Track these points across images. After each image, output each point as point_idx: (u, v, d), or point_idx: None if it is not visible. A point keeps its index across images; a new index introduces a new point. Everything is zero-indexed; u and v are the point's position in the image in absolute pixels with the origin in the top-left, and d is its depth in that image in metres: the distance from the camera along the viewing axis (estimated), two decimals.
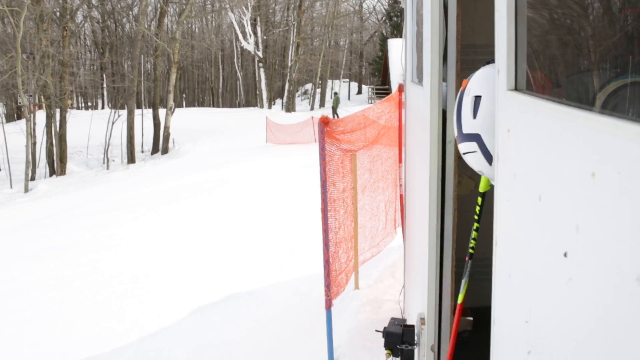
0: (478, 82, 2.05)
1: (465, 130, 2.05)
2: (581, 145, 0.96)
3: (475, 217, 2.54)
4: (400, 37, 36.57)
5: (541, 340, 1.18)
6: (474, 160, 2.05)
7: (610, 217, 0.85)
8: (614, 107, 0.95)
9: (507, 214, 1.47)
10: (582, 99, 1.13)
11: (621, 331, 0.83)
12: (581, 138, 0.96)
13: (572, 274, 1.00)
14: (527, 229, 1.29)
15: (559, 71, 1.30)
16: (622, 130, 0.81)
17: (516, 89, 1.42)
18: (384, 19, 57.31)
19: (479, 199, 2.47)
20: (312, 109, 46.86)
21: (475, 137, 1.99)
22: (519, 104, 1.35)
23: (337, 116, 33.31)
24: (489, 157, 1.94)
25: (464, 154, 2.12)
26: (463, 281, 2.56)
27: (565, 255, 1.03)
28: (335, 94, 39.30)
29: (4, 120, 31.27)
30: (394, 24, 51.71)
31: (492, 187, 2.36)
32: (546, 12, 1.38)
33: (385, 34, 53.55)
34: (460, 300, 2.55)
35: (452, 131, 2.77)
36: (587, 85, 1.12)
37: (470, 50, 3.96)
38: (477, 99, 2.01)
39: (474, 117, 2.00)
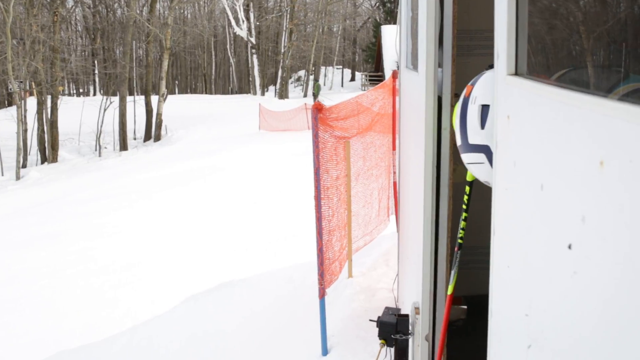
0: (484, 89, 1.95)
1: (472, 141, 1.97)
2: (589, 132, 0.91)
3: (464, 206, 2.50)
4: (394, 23, 36.45)
5: (542, 334, 1.14)
6: (481, 171, 1.98)
7: (621, 208, 0.80)
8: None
9: (506, 204, 1.43)
10: (585, 82, 1.08)
11: (629, 329, 0.79)
12: (589, 124, 0.91)
13: (578, 267, 0.96)
14: (528, 219, 1.24)
15: (562, 62, 1.24)
16: (636, 115, 0.76)
17: (516, 73, 1.37)
18: (377, 5, 57.05)
19: (467, 188, 2.43)
20: (305, 95, 46.67)
21: (484, 149, 1.92)
22: (519, 89, 1.30)
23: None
24: None
25: (469, 164, 2.05)
26: (453, 272, 2.52)
27: (569, 247, 0.98)
28: (316, 81, 39.29)
29: None
30: (388, 10, 51.47)
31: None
32: None
33: (378, 20, 53.31)
34: (450, 291, 2.52)
35: (448, 118, 2.72)
36: (592, 83, 1.07)
37: (465, 36, 3.91)
38: (485, 108, 1.92)
39: (482, 127, 1.92)
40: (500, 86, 1.46)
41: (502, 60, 1.43)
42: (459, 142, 2.08)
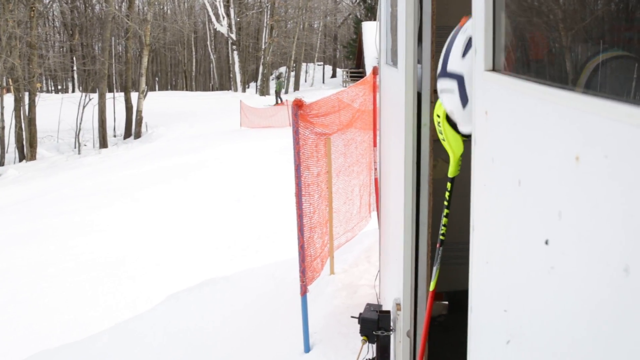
0: None
1: (450, 68, 1.98)
2: (565, 127, 0.91)
3: (445, 202, 2.51)
4: (375, 20, 36.52)
5: (521, 330, 1.15)
6: (449, 100, 2.00)
7: (596, 203, 0.80)
8: (600, 82, 0.90)
9: (485, 200, 1.43)
10: (563, 78, 1.09)
11: (606, 324, 0.79)
12: (565, 120, 0.91)
13: (554, 263, 0.96)
14: (505, 215, 1.25)
15: (539, 50, 1.25)
16: (610, 111, 0.76)
17: (494, 69, 1.37)
18: (357, 1, 57.04)
19: (448, 185, 2.44)
20: (286, 92, 46.61)
21: (457, 77, 1.93)
22: (498, 85, 1.30)
23: (281, 100, 34.02)
24: (464, 101, 1.90)
25: (440, 91, 2.07)
26: (435, 268, 2.53)
27: (546, 243, 0.98)
28: (278, 77, 39.34)
29: None
30: (368, 6, 51.47)
31: (461, 171, 2.33)
32: None
33: (359, 17, 53.34)
34: (432, 287, 2.53)
35: (427, 114, 2.73)
36: (567, 63, 1.07)
37: (444, 32, 3.91)
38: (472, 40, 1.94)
39: (463, 56, 1.93)
40: (478, 82, 1.47)
41: (479, 56, 1.43)
42: (438, 69, 2.09)
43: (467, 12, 1.64)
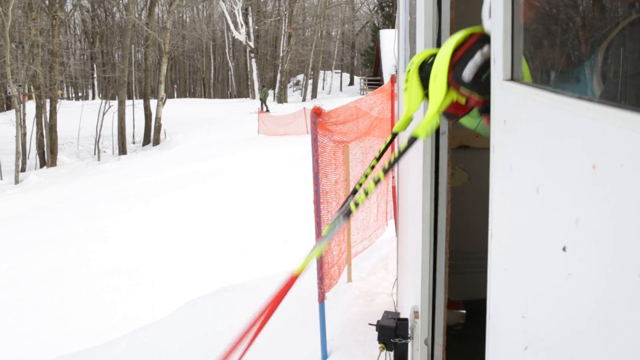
0: None
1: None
2: (581, 136, 0.93)
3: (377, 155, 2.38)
4: (392, 27, 36.51)
5: (539, 336, 1.16)
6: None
7: (612, 210, 0.82)
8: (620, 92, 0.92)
9: (503, 207, 1.45)
10: (581, 87, 1.10)
11: (622, 328, 0.81)
12: (582, 129, 0.93)
13: (572, 269, 0.97)
14: (524, 223, 1.26)
15: (557, 60, 1.27)
16: (626, 120, 0.78)
17: (512, 79, 1.39)
18: (375, 9, 57.10)
19: (389, 138, 2.36)
20: (304, 100, 46.73)
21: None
22: (515, 95, 1.32)
23: (267, 107, 35.19)
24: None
25: None
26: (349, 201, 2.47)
27: (564, 249, 1.00)
28: (264, 87, 40.28)
29: None
30: (386, 14, 51.54)
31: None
32: None
33: (377, 25, 53.40)
34: None
35: (446, 122, 2.74)
36: (586, 72, 1.09)
37: None
38: None
39: (489, 16, 1.91)
40: (496, 91, 1.48)
41: (498, 65, 1.45)
42: None
43: None
